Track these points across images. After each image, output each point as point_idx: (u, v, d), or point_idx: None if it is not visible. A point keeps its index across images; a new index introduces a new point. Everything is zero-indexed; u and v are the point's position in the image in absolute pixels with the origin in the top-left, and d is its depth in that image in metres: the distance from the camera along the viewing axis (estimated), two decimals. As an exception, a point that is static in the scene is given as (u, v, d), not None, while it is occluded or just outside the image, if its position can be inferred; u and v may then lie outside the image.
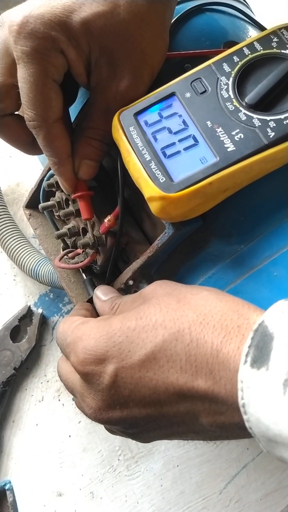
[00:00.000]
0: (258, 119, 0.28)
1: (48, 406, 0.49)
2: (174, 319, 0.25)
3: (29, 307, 0.52)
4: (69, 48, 0.29)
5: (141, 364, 0.25)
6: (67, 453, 0.48)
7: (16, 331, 0.51)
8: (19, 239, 0.52)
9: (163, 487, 0.47)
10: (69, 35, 0.29)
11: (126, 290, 0.36)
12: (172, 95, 0.30)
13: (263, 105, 0.28)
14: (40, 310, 0.52)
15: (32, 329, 0.50)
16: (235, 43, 0.37)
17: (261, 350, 0.21)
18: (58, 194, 0.40)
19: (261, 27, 0.40)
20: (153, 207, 0.29)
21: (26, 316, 0.51)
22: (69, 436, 0.48)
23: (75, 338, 0.28)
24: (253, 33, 0.39)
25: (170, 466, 0.47)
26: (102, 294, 0.33)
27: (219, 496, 0.46)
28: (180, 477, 0.47)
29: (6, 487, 0.45)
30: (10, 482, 0.45)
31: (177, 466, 0.47)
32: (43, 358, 0.51)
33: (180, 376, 0.24)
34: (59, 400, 0.49)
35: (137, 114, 0.30)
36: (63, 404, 0.49)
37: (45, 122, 0.30)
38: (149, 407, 0.25)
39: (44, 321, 0.52)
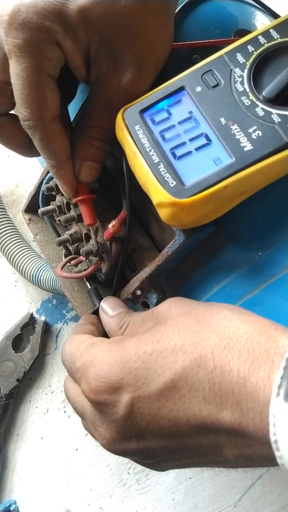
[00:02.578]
0: (278, 114, 0.25)
1: (54, 418, 0.47)
2: (195, 343, 0.23)
3: (32, 314, 0.50)
4: (65, 39, 0.27)
5: (159, 394, 0.23)
6: (74, 467, 0.46)
7: (18, 340, 0.49)
8: (19, 243, 0.49)
9: (175, 501, 0.45)
10: (65, 25, 0.26)
11: (133, 300, 0.34)
12: (181, 89, 0.27)
13: (283, 98, 0.25)
14: (43, 317, 0.50)
15: (35, 337, 0.48)
16: (247, 32, 0.34)
17: None
18: (58, 197, 0.37)
19: (273, 14, 0.37)
20: (163, 213, 0.26)
21: (29, 324, 0.49)
22: (76, 449, 0.46)
23: (86, 362, 0.26)
24: (265, 21, 0.36)
25: (182, 479, 0.45)
26: (109, 308, 0.31)
27: (234, 509, 0.44)
28: (192, 490, 0.45)
29: (11, 508, 0.43)
30: (15, 503, 0.43)
31: (189, 478, 0.45)
32: (47, 367, 0.49)
33: (203, 407, 0.22)
34: (64, 411, 0.47)
35: (143, 111, 0.28)
36: (69, 416, 0.47)
37: (41, 122, 0.28)
38: (169, 439, 0.23)
39: (47, 329, 0.50)
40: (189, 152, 0.26)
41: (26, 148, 0.32)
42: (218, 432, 0.22)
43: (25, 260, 0.48)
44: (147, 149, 0.27)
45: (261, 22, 0.36)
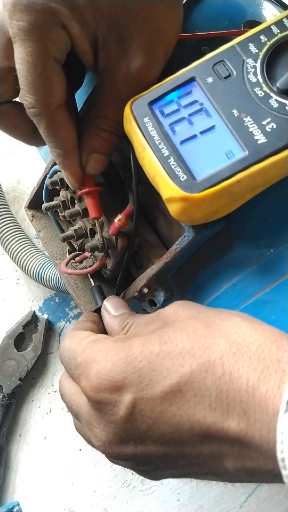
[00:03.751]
0: (292, 106, 0.24)
1: (57, 418, 0.46)
2: (203, 347, 0.22)
3: (34, 312, 0.49)
4: (72, 22, 0.26)
5: (163, 396, 0.22)
6: (78, 468, 0.45)
7: (20, 338, 0.48)
8: (22, 240, 0.48)
9: (180, 502, 0.44)
10: (72, 7, 0.25)
11: (140, 298, 0.33)
12: (191, 80, 0.27)
13: (297, 90, 0.25)
14: (45, 316, 0.49)
15: (37, 336, 0.48)
16: (257, 23, 0.33)
17: None
18: (62, 192, 0.36)
19: (283, 5, 0.36)
20: (173, 209, 0.26)
21: (31, 322, 0.48)
22: (80, 449, 0.45)
23: (88, 359, 0.25)
24: (275, 12, 0.35)
25: (187, 480, 0.44)
26: (112, 308, 0.30)
27: (240, 510, 0.44)
28: (198, 491, 0.44)
29: (15, 510, 0.42)
30: (18, 504, 0.42)
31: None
32: (50, 366, 0.48)
33: (208, 414, 0.21)
34: (68, 411, 0.46)
35: (152, 103, 0.27)
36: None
37: (47, 109, 0.27)
38: (168, 445, 0.22)
39: (50, 327, 0.49)
40: (200, 145, 0.25)
41: (30, 136, 0.31)
42: (222, 442, 0.21)
43: (28, 258, 0.47)
44: (157, 142, 0.26)
45: (271, 13, 0.36)
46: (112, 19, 0.26)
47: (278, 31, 0.26)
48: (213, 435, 0.21)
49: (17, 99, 0.31)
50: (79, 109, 0.33)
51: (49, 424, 0.46)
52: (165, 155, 0.25)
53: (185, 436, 0.22)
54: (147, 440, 0.23)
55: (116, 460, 0.25)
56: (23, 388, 0.47)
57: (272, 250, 0.28)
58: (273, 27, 0.27)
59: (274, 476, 0.20)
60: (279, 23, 0.27)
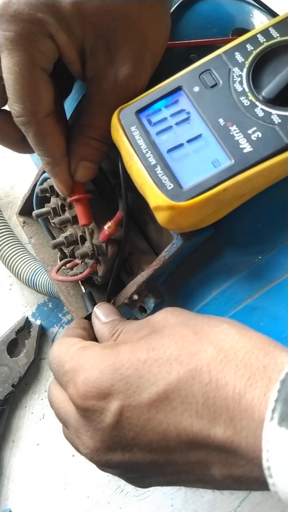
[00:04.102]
0: (278, 115, 0.24)
1: (50, 424, 0.46)
2: (191, 354, 0.22)
3: (27, 318, 0.49)
4: (58, 32, 0.26)
5: (150, 404, 0.22)
6: (71, 473, 0.45)
7: (13, 344, 0.48)
8: (15, 245, 0.49)
9: (174, 507, 0.44)
10: (59, 17, 0.25)
11: (130, 305, 0.33)
12: (178, 89, 0.27)
13: (283, 99, 0.25)
14: (38, 321, 0.49)
15: (30, 342, 0.48)
16: (245, 30, 0.33)
17: None
18: (53, 199, 0.36)
19: (272, 13, 0.36)
20: (160, 217, 0.26)
21: (24, 328, 0.48)
22: (73, 455, 0.45)
23: (75, 366, 0.25)
24: (263, 19, 0.36)
25: (180, 485, 0.44)
26: (102, 315, 0.30)
27: (233, 514, 0.44)
28: (191, 496, 0.44)
29: (6, 516, 0.42)
30: (11, 511, 0.42)
31: (188, 484, 0.44)
32: (43, 372, 0.48)
33: (195, 421, 0.21)
34: (61, 417, 0.46)
35: (139, 111, 0.27)
36: (65, 422, 0.46)
37: (35, 117, 0.27)
38: (156, 453, 0.22)
39: (43, 333, 0.49)
40: (187, 154, 0.26)
41: (20, 144, 0.31)
42: (209, 449, 0.21)
43: (21, 263, 0.47)
44: (144, 151, 0.26)
45: (259, 21, 0.36)
46: (99, 28, 0.26)
47: (264, 40, 0.27)
48: (199, 443, 0.21)
49: (6, 108, 0.31)
50: (69, 117, 0.33)
51: (42, 430, 0.46)
52: (152, 163, 0.26)
53: (172, 443, 0.22)
54: (134, 448, 0.23)
55: (104, 468, 0.25)
56: (16, 394, 0.47)
57: (260, 257, 0.28)
58: (259, 36, 0.27)
59: (261, 483, 0.20)
60: (265, 32, 0.27)
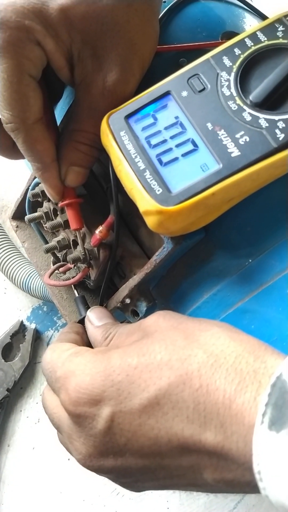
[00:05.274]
0: (265, 119, 0.25)
1: (45, 428, 0.46)
2: (181, 359, 0.22)
3: (22, 322, 0.49)
4: (46, 38, 0.26)
5: (142, 410, 0.22)
6: (66, 477, 0.45)
7: (8, 348, 0.48)
8: (9, 249, 0.49)
9: (169, 510, 0.44)
10: (46, 24, 0.26)
11: (123, 308, 0.33)
12: (167, 94, 0.27)
13: (270, 103, 0.25)
14: (33, 325, 0.49)
15: (25, 345, 0.48)
16: (235, 34, 0.33)
17: (280, 410, 0.18)
18: (45, 204, 0.37)
19: (261, 16, 0.37)
20: (149, 221, 0.26)
21: (19, 331, 0.48)
22: (68, 459, 0.45)
23: (67, 372, 0.25)
24: (253, 22, 0.36)
25: (176, 487, 0.45)
26: (95, 318, 0.30)
27: (229, 516, 0.44)
28: (187, 498, 0.44)
29: (1, 521, 0.42)
30: (5, 515, 0.42)
31: (184, 486, 0.44)
32: (38, 376, 0.48)
33: (186, 426, 0.21)
34: (56, 421, 0.46)
35: (128, 116, 0.27)
36: (60, 425, 0.46)
37: (24, 124, 0.27)
38: (148, 458, 0.22)
39: (38, 337, 0.49)
40: (176, 158, 0.26)
41: (10, 151, 0.32)
42: (200, 454, 0.21)
43: (15, 267, 0.47)
44: (133, 156, 0.26)
45: (250, 24, 0.36)
46: (87, 34, 0.26)
47: (252, 43, 0.27)
48: (191, 448, 0.21)
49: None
50: (60, 122, 0.33)
51: (37, 434, 0.46)
52: (141, 168, 0.26)
53: (163, 448, 0.22)
54: (126, 453, 0.23)
55: (97, 473, 0.25)
56: (11, 398, 0.47)
57: (250, 260, 0.28)
58: (246, 40, 0.27)
59: (252, 487, 0.20)
60: (252, 36, 0.27)
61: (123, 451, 0.23)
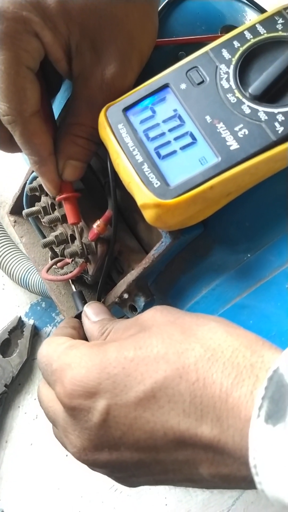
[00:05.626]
0: (264, 112, 0.24)
1: (43, 424, 0.46)
2: (178, 353, 0.22)
3: (20, 318, 0.49)
4: (44, 30, 0.26)
5: (137, 403, 0.22)
6: (64, 474, 0.45)
7: (6, 344, 0.48)
8: (7, 245, 0.48)
9: (167, 506, 0.44)
10: (44, 16, 0.25)
11: (121, 304, 0.33)
12: (165, 86, 0.27)
13: (270, 96, 0.25)
14: (31, 321, 0.49)
15: (23, 342, 0.47)
16: (234, 28, 0.33)
17: (277, 404, 0.18)
18: (43, 198, 0.36)
19: (261, 10, 0.36)
20: (147, 215, 0.26)
21: (17, 328, 0.48)
22: (66, 455, 0.45)
23: (63, 365, 0.25)
24: (253, 16, 0.36)
25: (174, 484, 0.44)
26: (92, 314, 0.30)
27: (227, 513, 0.44)
28: (185, 495, 0.44)
29: (-1, 517, 0.42)
30: (3, 511, 0.42)
31: (182, 483, 0.44)
32: (36, 372, 0.48)
33: (182, 420, 0.21)
34: (54, 417, 0.46)
35: (126, 109, 0.27)
36: (58, 421, 0.46)
37: (21, 116, 0.27)
38: (143, 452, 0.22)
39: (36, 333, 0.49)
40: (174, 152, 0.25)
41: (7, 144, 0.31)
42: (196, 448, 0.21)
43: (13, 263, 0.47)
44: (131, 149, 0.26)
45: (249, 18, 0.36)
46: (85, 27, 0.26)
47: (251, 36, 0.26)
48: (187, 442, 0.21)
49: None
50: (58, 116, 0.33)
51: (35, 430, 0.46)
52: (139, 161, 0.25)
53: (159, 442, 0.22)
54: (121, 447, 0.22)
55: (92, 467, 0.25)
56: (9, 394, 0.47)
57: (249, 255, 0.28)
58: (246, 32, 0.27)
59: (248, 482, 0.20)
60: (252, 29, 0.27)
61: (118, 444, 0.22)
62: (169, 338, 0.23)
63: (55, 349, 0.26)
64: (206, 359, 0.21)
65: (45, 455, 0.45)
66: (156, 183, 0.25)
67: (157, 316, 0.25)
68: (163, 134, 0.26)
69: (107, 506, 0.44)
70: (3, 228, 0.50)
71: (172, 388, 0.21)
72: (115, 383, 0.22)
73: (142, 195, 0.25)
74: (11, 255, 0.48)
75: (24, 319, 0.49)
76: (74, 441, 0.24)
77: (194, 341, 0.22)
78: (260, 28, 0.27)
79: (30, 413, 0.47)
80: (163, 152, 0.26)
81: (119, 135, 0.26)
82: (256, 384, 0.20)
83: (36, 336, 0.49)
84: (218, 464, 0.21)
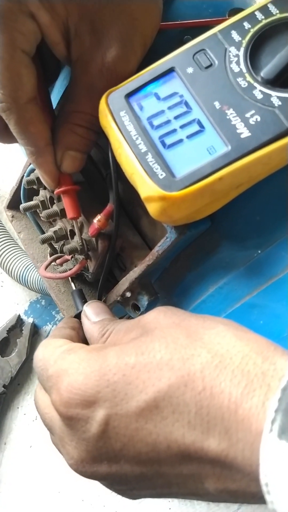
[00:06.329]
0: (278, 97, 0.23)
1: (43, 426, 0.44)
2: (183, 359, 0.20)
3: (19, 316, 0.47)
4: (40, 11, 0.24)
5: (139, 413, 0.20)
6: (65, 476, 0.44)
7: (4, 343, 0.46)
8: (5, 241, 0.47)
9: (171, 510, 0.43)
10: None
11: (123, 303, 0.31)
12: (170, 70, 0.25)
13: (283, 80, 0.23)
14: (31, 319, 0.48)
15: (22, 341, 0.46)
16: (243, 11, 0.32)
17: None
18: (42, 192, 0.35)
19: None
20: (151, 208, 0.24)
21: (16, 326, 0.47)
22: (67, 458, 0.44)
23: (59, 370, 0.23)
24: (262, -1, 0.34)
25: (178, 487, 0.43)
26: (92, 314, 0.28)
27: (233, 518, 0.42)
28: (190, 499, 0.43)
29: (-3, 522, 0.41)
30: (0, 517, 0.41)
31: (186, 486, 0.43)
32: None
33: (187, 432, 0.19)
34: (54, 418, 0.45)
35: (129, 95, 0.25)
36: (59, 423, 0.45)
37: (16, 104, 0.25)
38: (145, 465, 0.21)
39: (35, 331, 0.48)
40: (180, 140, 0.24)
41: (2, 133, 0.30)
42: (202, 462, 0.19)
43: (12, 259, 0.46)
44: (134, 138, 0.24)
45: (259, 0, 0.34)
46: (85, 8, 0.25)
47: (263, 17, 0.25)
48: (192, 455, 0.19)
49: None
50: (56, 104, 0.31)
51: (35, 431, 0.45)
52: (143, 151, 0.24)
53: (162, 455, 0.20)
54: (121, 460, 0.21)
55: (91, 479, 0.23)
56: (8, 394, 0.45)
57: (259, 251, 0.27)
58: (257, 13, 0.25)
59: (258, 498, 0.18)
60: (263, 9, 0.25)
61: (118, 457, 0.21)
62: (173, 343, 0.21)
63: (52, 353, 0.25)
64: (214, 366, 0.19)
65: (45, 458, 0.44)
66: (161, 174, 0.23)
67: (161, 317, 0.24)
68: (168, 121, 0.24)
69: (108, 510, 0.43)
70: (1, 223, 0.49)
71: (177, 397, 0.19)
72: (115, 392, 0.21)
73: (146, 187, 0.23)
74: (9, 252, 0.46)
75: (23, 317, 0.48)
76: (71, 452, 0.22)
77: (200, 346, 0.21)
78: (273, 8, 0.25)
79: (30, 414, 0.45)
80: (168, 141, 0.24)
81: (121, 123, 0.25)
82: (268, 395, 0.18)
83: (35, 335, 0.48)
84: (226, 479, 0.19)
